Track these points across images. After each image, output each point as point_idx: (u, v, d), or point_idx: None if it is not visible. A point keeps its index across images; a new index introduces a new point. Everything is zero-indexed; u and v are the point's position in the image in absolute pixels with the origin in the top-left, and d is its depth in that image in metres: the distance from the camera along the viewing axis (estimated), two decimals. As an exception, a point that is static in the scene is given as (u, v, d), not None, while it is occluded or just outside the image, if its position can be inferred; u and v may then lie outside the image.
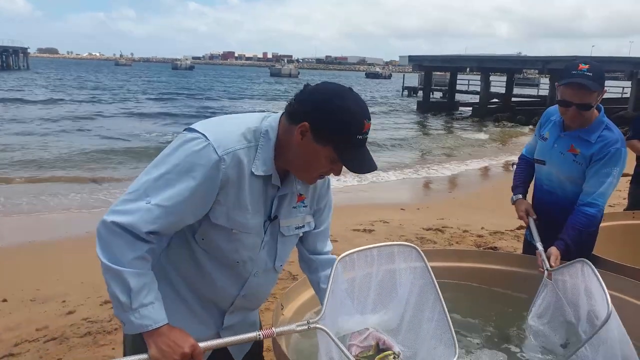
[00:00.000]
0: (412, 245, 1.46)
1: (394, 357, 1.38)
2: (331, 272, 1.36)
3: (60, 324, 3.41)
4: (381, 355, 1.38)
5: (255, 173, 1.27)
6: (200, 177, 1.19)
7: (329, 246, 1.58)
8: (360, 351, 1.40)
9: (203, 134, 1.21)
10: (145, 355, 1.20)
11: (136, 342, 1.28)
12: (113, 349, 3.08)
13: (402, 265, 1.45)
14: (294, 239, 1.46)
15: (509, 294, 2.20)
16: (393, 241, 1.52)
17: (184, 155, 1.20)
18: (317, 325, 1.29)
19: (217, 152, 1.20)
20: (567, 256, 2.04)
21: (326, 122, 1.21)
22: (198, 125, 1.26)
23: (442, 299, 1.43)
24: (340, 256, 1.39)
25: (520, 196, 2.44)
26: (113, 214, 1.20)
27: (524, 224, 2.44)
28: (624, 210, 4.08)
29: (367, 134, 1.24)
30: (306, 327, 1.28)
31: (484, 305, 2.18)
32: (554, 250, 2.05)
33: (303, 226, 1.45)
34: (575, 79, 2.02)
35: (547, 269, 1.98)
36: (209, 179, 1.20)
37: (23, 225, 6.06)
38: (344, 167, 1.27)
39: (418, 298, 1.47)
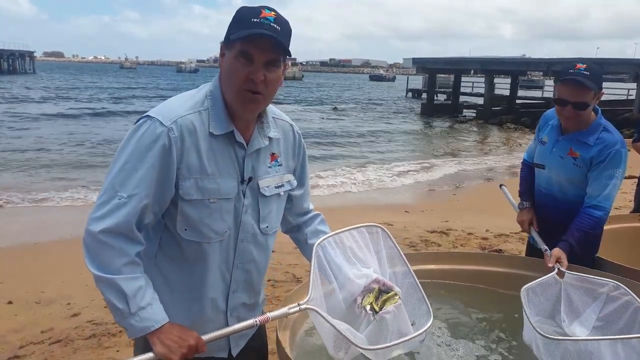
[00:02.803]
0: (379, 225, 1.54)
1: (399, 298, 1.43)
2: (312, 259, 1.40)
3: (65, 326, 3.42)
4: (385, 296, 1.42)
5: (215, 133, 1.28)
6: (155, 153, 1.22)
7: (311, 205, 1.62)
8: (363, 296, 1.43)
9: (147, 116, 1.25)
10: (151, 354, 1.20)
11: (148, 342, 1.27)
12: (117, 351, 3.08)
13: (373, 243, 1.53)
14: (276, 198, 1.44)
15: (514, 296, 2.19)
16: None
17: (135, 141, 1.24)
18: (308, 306, 1.33)
19: (163, 124, 1.23)
20: (571, 258, 2.03)
21: (228, 28, 1.26)
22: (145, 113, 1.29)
23: (412, 270, 1.51)
24: (317, 243, 1.43)
25: (526, 204, 2.43)
26: (94, 222, 1.21)
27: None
28: (630, 212, 4.05)
29: (267, 20, 1.24)
30: (297, 308, 1.33)
31: (488, 307, 2.17)
32: (557, 251, 2.04)
33: (283, 185, 1.45)
34: (572, 77, 2.03)
35: (558, 269, 1.95)
36: (163, 151, 1.22)
37: (28, 227, 6.09)
38: (260, 65, 1.23)
39: (389, 270, 1.52)
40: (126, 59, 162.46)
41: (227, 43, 1.28)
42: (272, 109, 1.44)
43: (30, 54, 67.38)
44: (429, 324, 1.41)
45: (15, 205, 7.23)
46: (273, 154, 1.41)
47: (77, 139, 14.30)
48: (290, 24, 1.29)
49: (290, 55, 1.30)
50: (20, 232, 5.90)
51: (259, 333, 1.60)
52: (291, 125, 1.49)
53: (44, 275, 4.35)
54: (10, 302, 3.78)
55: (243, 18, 1.25)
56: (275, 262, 4.55)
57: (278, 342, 1.47)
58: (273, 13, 1.26)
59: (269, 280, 4.17)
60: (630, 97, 25.21)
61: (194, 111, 1.28)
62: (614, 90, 27.28)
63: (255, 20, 1.23)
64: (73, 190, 8.22)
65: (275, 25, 1.24)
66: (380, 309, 1.40)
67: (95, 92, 35.03)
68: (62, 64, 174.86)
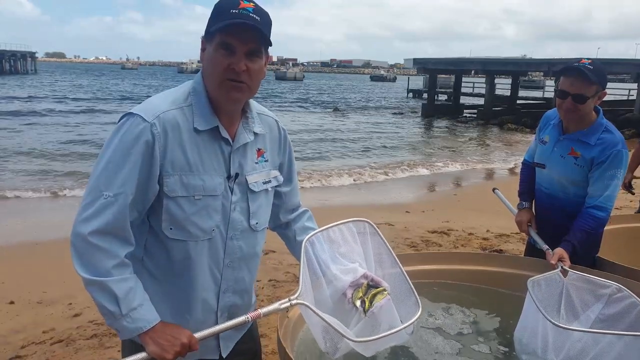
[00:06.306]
0: (366, 220, 1.55)
1: (387, 293, 1.45)
2: (301, 254, 1.40)
3: (67, 327, 3.43)
4: (374, 291, 1.43)
5: (199, 128, 1.28)
6: (139, 149, 1.21)
7: (299, 201, 1.62)
8: (352, 292, 1.44)
9: (129, 113, 1.24)
10: (144, 354, 1.19)
11: (135, 343, 1.27)
12: (119, 351, 3.08)
13: (360, 238, 1.53)
14: (264, 194, 1.43)
15: (514, 296, 2.19)
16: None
17: (118, 139, 1.23)
18: (298, 301, 1.33)
19: (145, 120, 1.22)
20: (572, 258, 2.03)
21: (208, 22, 1.26)
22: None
23: (399, 261, 1.51)
24: (306, 238, 1.43)
25: (525, 204, 2.43)
26: (82, 224, 1.19)
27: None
28: (635, 212, 4.05)
29: (246, 10, 1.23)
30: (288, 304, 1.33)
31: (488, 307, 2.17)
32: (559, 250, 2.04)
33: (270, 181, 1.44)
34: (574, 68, 2.04)
35: (562, 267, 1.94)
36: (146, 147, 1.21)
37: (29, 227, 6.10)
38: (241, 55, 1.23)
39: (375, 264, 1.53)
40: (128, 59, 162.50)
41: (207, 37, 1.27)
42: (256, 105, 1.44)
43: (32, 55, 67.41)
44: (417, 315, 1.41)
45: (19, 204, 7.24)
46: (259, 149, 1.41)
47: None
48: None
49: (271, 45, 1.29)
50: (21, 231, 5.91)
51: (250, 334, 1.58)
52: (276, 121, 1.48)
53: (46, 275, 4.35)
54: (11, 302, 3.79)
55: (222, 10, 1.24)
56: (276, 262, 4.55)
57: (279, 342, 1.48)
58: (252, 4, 1.25)
59: (269, 280, 4.18)
60: (631, 98, 25.17)
61: (177, 107, 1.27)
62: (615, 91, 27.25)
63: (234, 11, 1.22)
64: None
65: (254, 16, 1.23)
66: (370, 303, 1.41)
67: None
68: (64, 64, 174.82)
